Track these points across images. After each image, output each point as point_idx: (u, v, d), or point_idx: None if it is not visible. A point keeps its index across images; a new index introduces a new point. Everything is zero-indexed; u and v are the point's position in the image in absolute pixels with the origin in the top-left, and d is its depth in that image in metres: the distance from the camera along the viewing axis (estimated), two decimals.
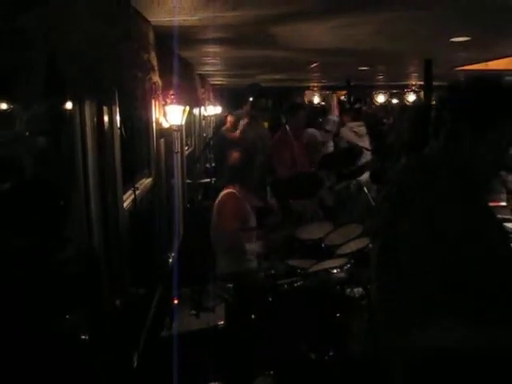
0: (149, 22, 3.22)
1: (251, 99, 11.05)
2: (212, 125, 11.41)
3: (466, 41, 4.45)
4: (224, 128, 8.66)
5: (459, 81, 1.86)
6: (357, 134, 7.27)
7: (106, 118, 2.52)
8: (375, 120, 9.82)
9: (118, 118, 2.75)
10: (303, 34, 4.11)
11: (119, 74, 2.46)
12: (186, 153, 6.56)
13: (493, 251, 1.68)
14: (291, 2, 2.95)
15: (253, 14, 3.26)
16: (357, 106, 12.67)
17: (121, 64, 2.51)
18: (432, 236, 1.59)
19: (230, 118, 8.75)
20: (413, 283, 1.58)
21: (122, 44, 2.55)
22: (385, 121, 10.94)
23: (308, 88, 14.59)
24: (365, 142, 7.15)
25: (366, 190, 3.97)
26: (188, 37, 4.00)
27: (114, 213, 2.56)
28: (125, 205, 2.92)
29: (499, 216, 4.07)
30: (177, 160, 5.06)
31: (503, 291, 1.65)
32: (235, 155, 4.21)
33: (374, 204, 3.86)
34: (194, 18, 3.23)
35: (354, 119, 8.02)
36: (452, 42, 4.50)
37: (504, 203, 5.07)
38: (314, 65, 7.26)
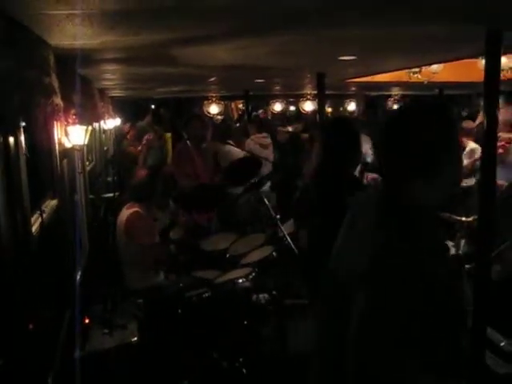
0: (49, 44, 3.23)
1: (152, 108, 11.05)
2: (112, 137, 11.27)
3: (352, 59, 4.83)
4: (125, 141, 8.60)
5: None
6: (262, 145, 7.37)
7: (11, 143, 2.53)
8: (275, 129, 10.03)
9: (23, 142, 2.76)
10: (203, 54, 4.25)
11: (24, 100, 2.49)
12: (88, 168, 6.49)
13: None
14: (192, 28, 3.08)
15: (154, 38, 3.36)
16: (256, 113, 12.88)
17: (24, 90, 2.54)
18: None
19: (131, 131, 8.70)
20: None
21: (24, 70, 2.58)
22: (279, 128, 11.10)
23: (207, 98, 14.76)
24: (269, 153, 7.29)
25: (267, 201, 4.15)
26: (88, 57, 4.01)
27: (23, 238, 2.58)
28: (33, 229, 2.92)
29: None
30: (80, 179, 5.03)
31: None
32: (141, 173, 4.21)
33: (274, 215, 4.04)
34: (95, 41, 3.28)
35: (258, 130, 8.12)
36: (340, 60, 4.86)
37: None
38: (213, 79, 7.43)
